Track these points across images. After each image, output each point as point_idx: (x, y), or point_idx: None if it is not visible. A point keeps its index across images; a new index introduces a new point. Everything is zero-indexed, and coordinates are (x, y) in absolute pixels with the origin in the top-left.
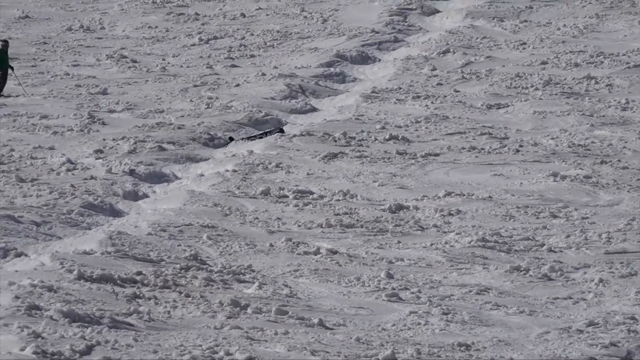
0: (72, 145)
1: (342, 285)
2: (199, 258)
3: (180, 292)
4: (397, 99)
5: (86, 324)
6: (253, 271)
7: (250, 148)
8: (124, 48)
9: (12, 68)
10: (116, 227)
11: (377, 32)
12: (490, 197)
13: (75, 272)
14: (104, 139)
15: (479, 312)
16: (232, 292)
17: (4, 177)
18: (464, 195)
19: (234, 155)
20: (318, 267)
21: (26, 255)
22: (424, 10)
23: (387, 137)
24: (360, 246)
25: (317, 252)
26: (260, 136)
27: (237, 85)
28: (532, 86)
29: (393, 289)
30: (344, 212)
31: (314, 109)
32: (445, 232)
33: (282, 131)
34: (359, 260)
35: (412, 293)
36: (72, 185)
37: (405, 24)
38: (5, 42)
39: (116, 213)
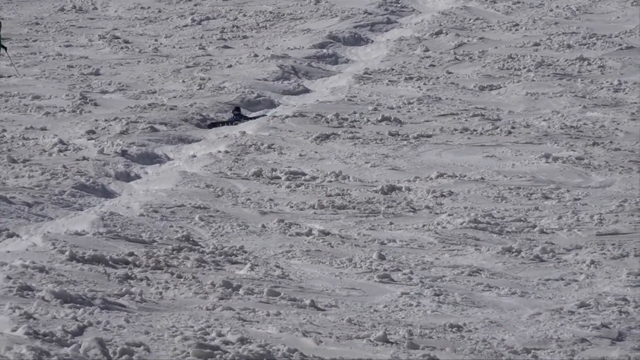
0: (64, 126)
1: (334, 266)
2: (191, 239)
3: (172, 273)
4: (389, 80)
5: (78, 305)
6: (245, 252)
7: (242, 129)
8: (116, 29)
9: (5, 48)
10: (108, 208)
11: (370, 14)
12: (482, 178)
13: (67, 253)
14: (96, 120)
15: (471, 293)
16: (224, 273)
17: None
18: (456, 176)
19: (226, 136)
20: (310, 248)
21: (18, 236)
22: None
23: (379, 118)
24: (353, 227)
25: (309, 234)
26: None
27: (230, 66)
28: (524, 68)
29: (385, 270)
30: (336, 194)
31: (306, 90)
32: (437, 214)
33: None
34: (351, 242)
35: (404, 274)
36: (64, 166)
37: (398, 5)
38: None
39: (108, 194)
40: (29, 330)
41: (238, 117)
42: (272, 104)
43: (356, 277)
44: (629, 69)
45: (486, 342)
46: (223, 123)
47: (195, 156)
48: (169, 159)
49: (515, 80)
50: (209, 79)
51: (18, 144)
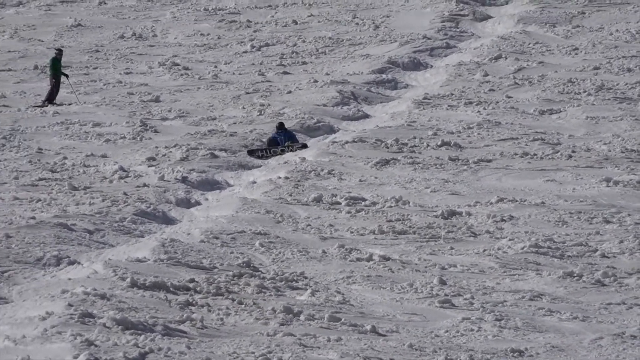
0: (125, 153)
1: (395, 291)
2: (251, 265)
3: (233, 299)
4: (449, 105)
5: (139, 332)
6: (305, 278)
7: (302, 155)
8: (176, 55)
9: (66, 76)
10: (169, 234)
11: (429, 38)
12: (542, 202)
13: (128, 280)
14: (157, 147)
15: (532, 318)
16: (285, 299)
17: (57, 185)
18: (517, 201)
19: (286, 162)
20: (371, 273)
21: (79, 263)
22: (476, 16)
23: (439, 143)
24: (413, 252)
25: (369, 259)
26: (282, 150)
27: (289, 92)
28: (584, 91)
29: (446, 295)
30: (396, 219)
31: (366, 116)
32: (497, 238)
33: (305, 146)
34: (412, 267)
35: (465, 299)
36: (124, 193)
37: (457, 29)
38: (59, 50)
39: (169, 220)
40: (90, 357)
41: (281, 134)
42: (331, 130)
43: (417, 302)
44: None
45: None
46: (261, 150)
47: (255, 182)
48: (229, 185)
49: (575, 104)
50: (269, 105)
51: (79, 171)
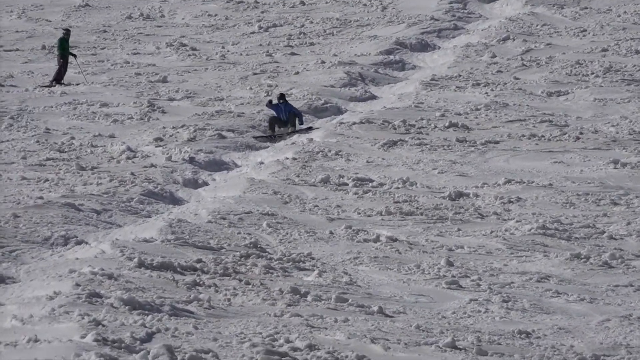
0: (132, 133)
1: (402, 272)
2: (258, 246)
3: (240, 280)
4: (456, 87)
5: (146, 312)
6: (313, 259)
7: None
8: (183, 36)
9: (74, 56)
10: (176, 214)
11: (437, 20)
12: (550, 184)
13: (135, 260)
14: (164, 127)
15: (539, 299)
16: (292, 279)
17: (64, 165)
18: (524, 182)
19: (293, 143)
20: (378, 254)
21: (87, 243)
22: None
23: (446, 124)
24: (420, 234)
25: (376, 240)
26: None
27: (297, 73)
28: (592, 73)
29: (453, 276)
30: (403, 200)
31: (373, 97)
32: (505, 220)
33: (310, 128)
34: (419, 248)
35: (472, 281)
36: (132, 173)
37: (465, 11)
38: (67, 30)
39: (176, 201)
40: (97, 337)
41: (282, 105)
42: (339, 111)
43: (424, 284)
44: None
45: (555, 349)
46: (267, 137)
47: (262, 163)
48: (236, 165)
49: (583, 86)
50: (276, 85)
51: (86, 152)
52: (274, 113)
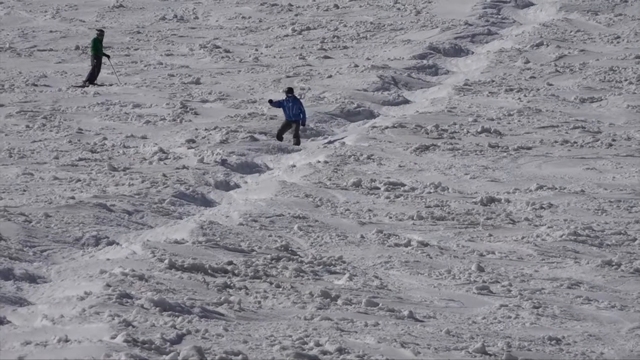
0: (165, 134)
1: (433, 277)
2: (289, 249)
3: (271, 283)
4: (489, 92)
5: (177, 313)
6: (344, 262)
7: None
8: (217, 38)
9: (108, 57)
10: (207, 216)
11: (471, 25)
12: (582, 190)
13: (166, 261)
14: (196, 129)
15: (570, 306)
16: (323, 283)
17: (96, 166)
18: (556, 188)
19: (325, 147)
20: (409, 259)
21: (118, 243)
22: (518, 3)
23: (479, 129)
24: (451, 239)
25: (408, 244)
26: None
27: (330, 76)
28: (625, 80)
29: (484, 282)
30: (435, 205)
31: (406, 101)
32: (536, 226)
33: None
34: (450, 253)
35: (503, 286)
36: (164, 175)
37: (499, 16)
38: (101, 31)
39: (208, 203)
40: (127, 338)
41: (290, 100)
42: (371, 115)
43: (455, 289)
44: None
45: (585, 356)
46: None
47: (294, 166)
48: (268, 168)
49: (616, 93)
50: (309, 89)
51: (119, 152)
52: (281, 113)
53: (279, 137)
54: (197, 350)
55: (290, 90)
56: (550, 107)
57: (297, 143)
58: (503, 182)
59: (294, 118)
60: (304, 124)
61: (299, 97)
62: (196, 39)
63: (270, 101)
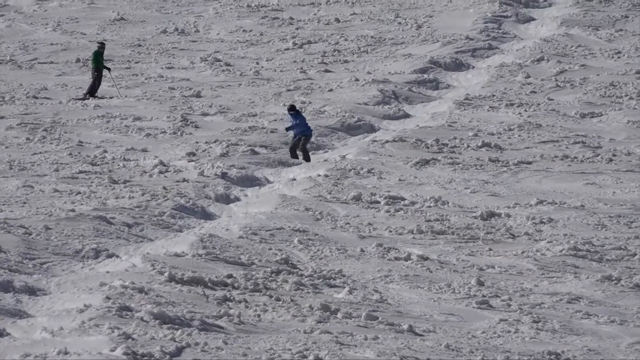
0: (165, 147)
1: (433, 291)
2: (289, 262)
3: (271, 296)
4: (490, 107)
5: (176, 326)
6: (343, 276)
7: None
8: (218, 51)
9: (108, 69)
10: (207, 229)
11: (472, 39)
12: (582, 205)
13: (166, 274)
14: (197, 142)
15: (570, 320)
16: (323, 296)
17: (96, 178)
18: (556, 203)
19: (325, 160)
20: (409, 273)
21: (117, 256)
22: (519, 17)
23: (479, 144)
24: (451, 253)
25: (407, 258)
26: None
27: (330, 90)
28: (626, 95)
29: (483, 296)
30: (435, 219)
31: (406, 115)
32: (536, 240)
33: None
34: (450, 267)
35: (503, 301)
36: (164, 188)
37: (500, 31)
38: (102, 43)
39: (208, 216)
40: (127, 351)
41: (294, 116)
42: (372, 129)
43: (454, 303)
44: None
45: None
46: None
47: (295, 179)
48: (268, 181)
49: (616, 108)
50: (310, 102)
51: (119, 165)
52: (292, 123)
53: (293, 154)
54: None
55: (292, 108)
56: (551, 122)
57: (307, 159)
58: (503, 196)
59: (301, 133)
60: (309, 136)
61: (299, 109)
62: (197, 52)
63: (287, 129)
